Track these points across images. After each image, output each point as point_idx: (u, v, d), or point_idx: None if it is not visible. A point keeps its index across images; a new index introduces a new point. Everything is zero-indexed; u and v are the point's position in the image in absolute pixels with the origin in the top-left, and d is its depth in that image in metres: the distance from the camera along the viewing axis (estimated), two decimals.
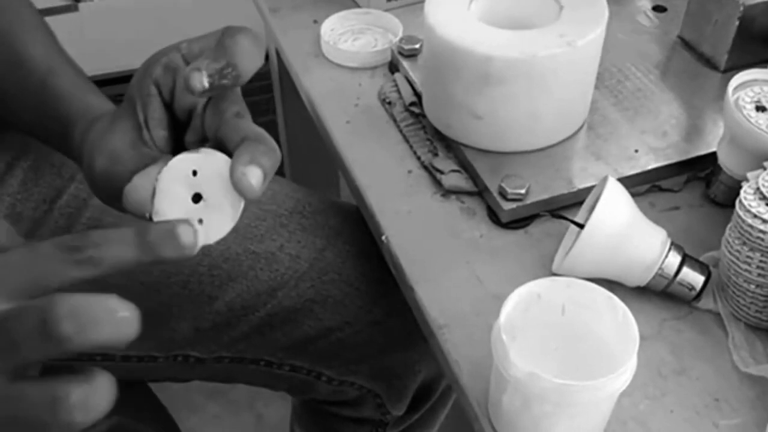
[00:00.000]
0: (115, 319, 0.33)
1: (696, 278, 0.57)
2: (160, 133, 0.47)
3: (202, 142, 0.46)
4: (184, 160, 0.42)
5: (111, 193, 0.47)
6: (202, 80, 0.42)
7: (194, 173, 0.42)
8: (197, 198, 0.42)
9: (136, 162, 0.46)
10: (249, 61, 0.43)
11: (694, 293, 0.57)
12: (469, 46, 0.63)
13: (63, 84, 0.56)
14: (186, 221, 0.37)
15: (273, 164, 0.42)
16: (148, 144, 0.47)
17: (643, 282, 0.57)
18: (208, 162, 0.42)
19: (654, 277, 0.57)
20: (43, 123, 0.56)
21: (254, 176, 0.41)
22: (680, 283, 0.57)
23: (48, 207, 0.68)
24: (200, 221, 0.41)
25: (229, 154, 0.42)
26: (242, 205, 0.42)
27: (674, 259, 0.57)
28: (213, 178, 0.42)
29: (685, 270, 0.57)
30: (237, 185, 0.41)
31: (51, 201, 0.68)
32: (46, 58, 0.57)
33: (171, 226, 0.37)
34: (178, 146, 0.48)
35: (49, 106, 0.55)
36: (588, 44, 0.64)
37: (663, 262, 0.56)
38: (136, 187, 0.44)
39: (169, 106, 0.47)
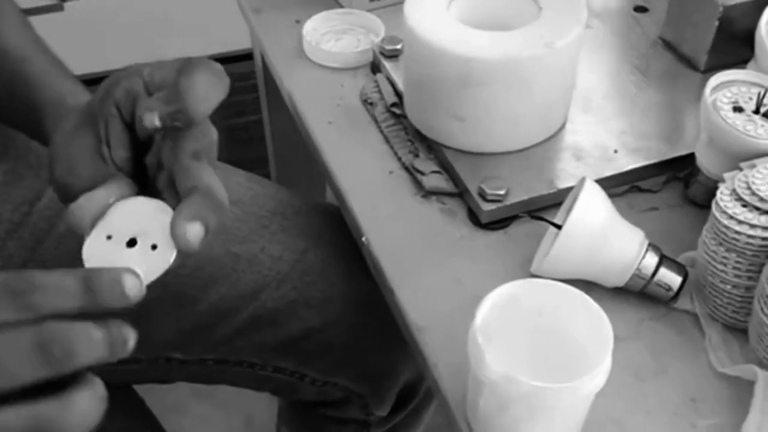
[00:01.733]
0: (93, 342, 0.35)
1: (673, 279, 0.57)
2: (121, 153, 0.47)
3: (162, 164, 0.47)
4: (124, 205, 0.44)
5: (65, 198, 0.48)
6: (153, 120, 0.44)
7: (132, 218, 0.43)
8: (132, 242, 0.43)
9: (91, 176, 0.46)
10: (201, 105, 0.44)
11: (671, 294, 0.57)
12: (448, 47, 0.63)
13: (35, 71, 0.56)
14: (132, 271, 0.38)
15: (218, 219, 0.43)
16: (106, 160, 0.47)
17: (620, 283, 0.58)
18: (148, 209, 0.44)
19: (631, 278, 0.57)
20: (15, 109, 0.57)
21: (194, 232, 0.42)
22: (657, 284, 0.57)
23: (27, 209, 0.67)
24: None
25: (178, 196, 0.43)
26: (175, 252, 0.43)
27: (651, 260, 0.57)
28: (149, 224, 0.43)
29: (663, 271, 0.57)
30: (176, 238, 0.42)
31: (30, 203, 0.67)
32: (18, 46, 0.58)
33: (117, 275, 0.37)
34: (138, 166, 0.48)
35: (20, 93, 0.56)
36: (567, 45, 0.64)
37: (640, 263, 0.57)
38: (80, 207, 0.45)
39: (130, 126, 0.47)
